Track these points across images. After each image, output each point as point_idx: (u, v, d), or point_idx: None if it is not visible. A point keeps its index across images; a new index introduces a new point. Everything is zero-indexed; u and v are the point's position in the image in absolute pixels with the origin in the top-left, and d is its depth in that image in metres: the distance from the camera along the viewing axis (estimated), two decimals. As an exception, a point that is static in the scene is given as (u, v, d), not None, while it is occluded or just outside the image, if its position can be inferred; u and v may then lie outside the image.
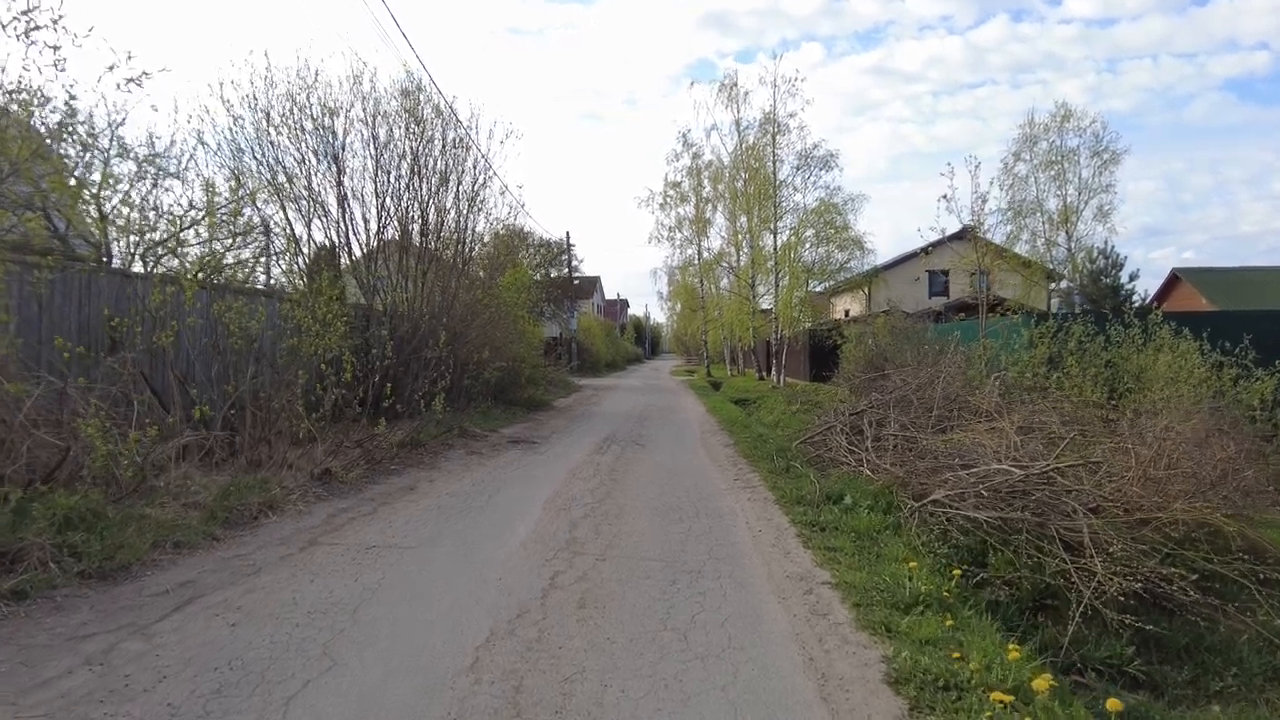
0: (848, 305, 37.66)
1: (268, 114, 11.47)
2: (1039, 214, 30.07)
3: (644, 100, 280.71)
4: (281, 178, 11.71)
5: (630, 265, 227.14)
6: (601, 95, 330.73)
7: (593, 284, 72.86)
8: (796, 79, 31.43)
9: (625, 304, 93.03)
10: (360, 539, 5.57)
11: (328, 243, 12.66)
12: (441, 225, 14.15)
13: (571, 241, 39.96)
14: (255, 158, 11.29)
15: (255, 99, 11.27)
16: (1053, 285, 30.45)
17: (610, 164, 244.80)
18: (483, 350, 13.40)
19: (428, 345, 12.08)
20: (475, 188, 14.39)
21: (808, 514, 6.36)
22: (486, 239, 17.35)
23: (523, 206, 35.03)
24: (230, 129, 11.14)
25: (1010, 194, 29.81)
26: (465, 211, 14.32)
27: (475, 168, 14.56)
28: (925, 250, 17.99)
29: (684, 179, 35.46)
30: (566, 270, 40.54)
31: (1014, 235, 29.07)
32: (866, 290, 34.67)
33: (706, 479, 8.42)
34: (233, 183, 10.00)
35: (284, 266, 11.68)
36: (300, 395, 8.36)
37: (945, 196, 17.64)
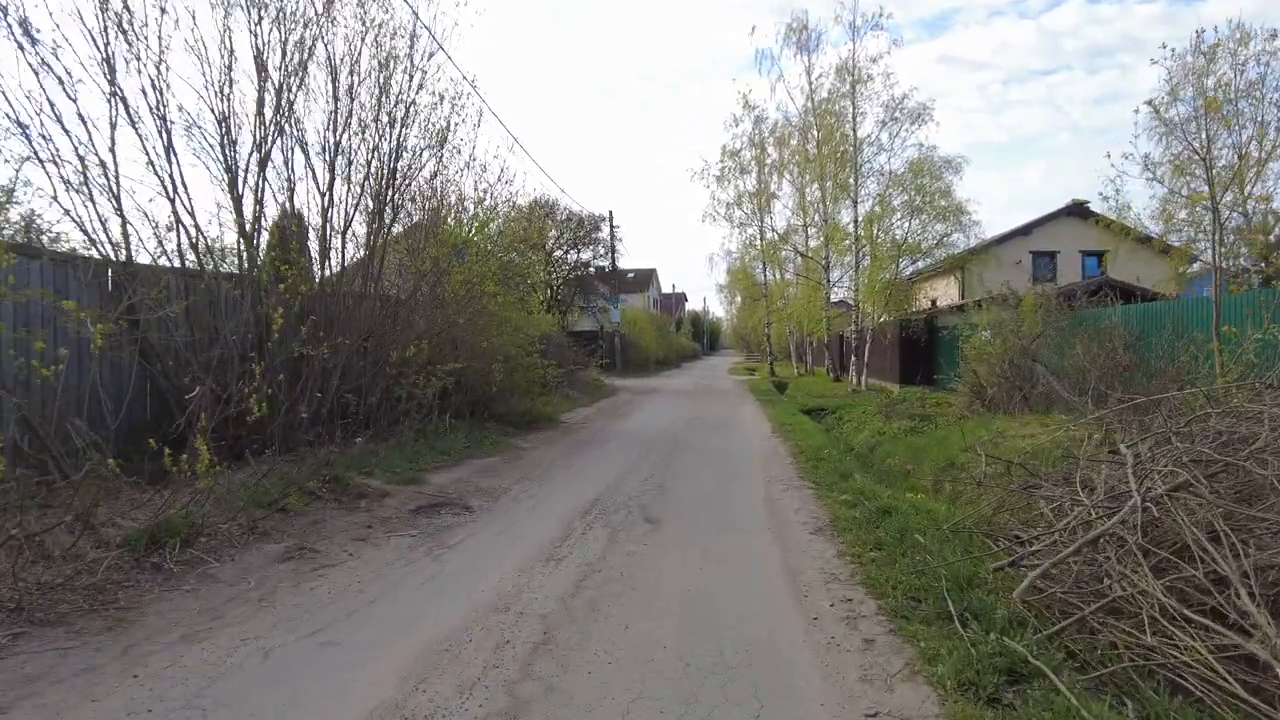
0: (936, 292, 31.34)
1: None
2: (1204, 167, 23.16)
3: (706, 90, 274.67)
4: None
5: (691, 260, 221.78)
6: (669, 85, 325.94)
7: (649, 277, 67.59)
8: (881, 15, 25.49)
9: (683, 298, 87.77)
10: None
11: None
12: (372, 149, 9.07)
13: (616, 223, 34.66)
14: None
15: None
16: (1184, 267, 23.49)
17: (676, 156, 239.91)
18: (408, 347, 8.22)
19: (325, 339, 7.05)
20: (419, 80, 9.19)
21: None
22: (470, 189, 12.10)
23: (485, 110, 29.63)
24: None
25: (1164, 145, 23.03)
26: (397, 119, 9.14)
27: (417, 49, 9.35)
28: (1104, 196, 12.27)
29: (744, 148, 29.87)
30: (610, 255, 35.30)
31: (1174, 194, 22.26)
32: (960, 275, 28.37)
33: (789, 702, 3.06)
34: None
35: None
36: None
37: (1150, 102, 11.66)
